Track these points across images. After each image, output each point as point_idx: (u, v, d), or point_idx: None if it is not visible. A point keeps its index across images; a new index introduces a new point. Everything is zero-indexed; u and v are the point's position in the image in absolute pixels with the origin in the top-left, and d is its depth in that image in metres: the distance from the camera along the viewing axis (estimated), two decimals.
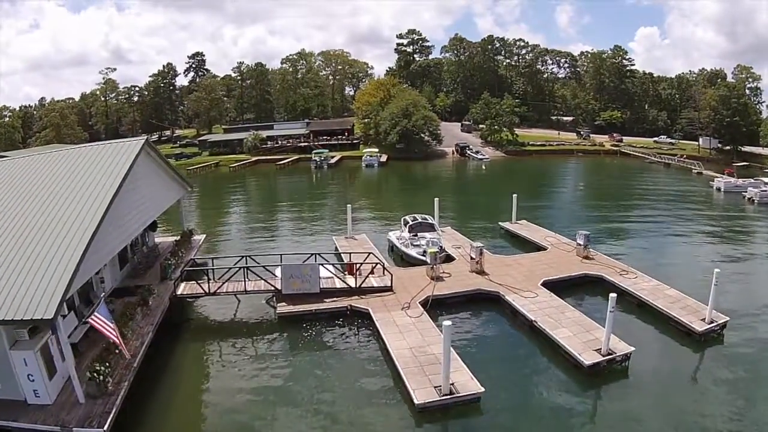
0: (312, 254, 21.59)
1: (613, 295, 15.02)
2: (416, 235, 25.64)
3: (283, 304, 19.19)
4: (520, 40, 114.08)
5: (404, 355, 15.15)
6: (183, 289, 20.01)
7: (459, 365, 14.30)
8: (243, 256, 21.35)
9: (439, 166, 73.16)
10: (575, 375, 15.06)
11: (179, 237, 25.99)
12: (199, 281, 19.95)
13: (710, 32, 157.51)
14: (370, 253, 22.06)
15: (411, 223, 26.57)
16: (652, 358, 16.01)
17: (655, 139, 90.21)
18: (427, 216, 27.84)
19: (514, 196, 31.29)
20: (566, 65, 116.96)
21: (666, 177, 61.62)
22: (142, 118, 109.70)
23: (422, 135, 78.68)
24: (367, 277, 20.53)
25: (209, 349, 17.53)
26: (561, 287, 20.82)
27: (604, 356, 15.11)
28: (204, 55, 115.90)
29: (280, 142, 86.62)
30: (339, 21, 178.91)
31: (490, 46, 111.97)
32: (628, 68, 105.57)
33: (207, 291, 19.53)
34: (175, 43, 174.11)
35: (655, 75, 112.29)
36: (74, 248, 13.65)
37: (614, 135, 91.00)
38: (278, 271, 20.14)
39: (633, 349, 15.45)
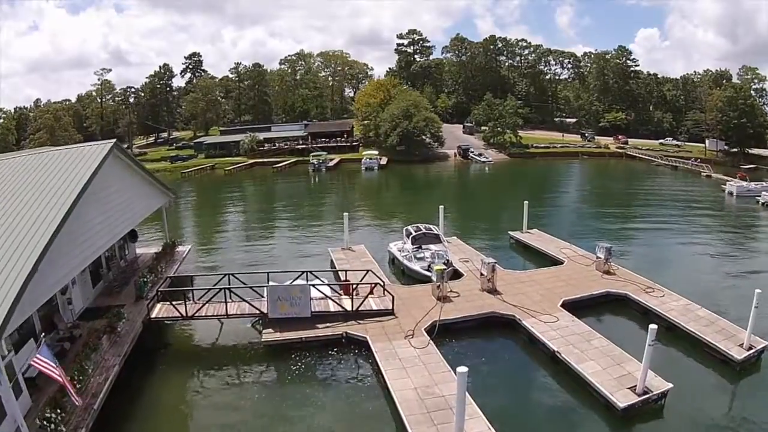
0: (303, 272, 19.44)
1: (653, 326, 12.92)
2: (420, 248, 23.50)
3: (270, 330, 16.96)
4: (522, 40, 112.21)
5: (408, 398, 12.96)
6: (158, 311, 17.79)
7: (473, 411, 12.11)
8: (226, 275, 19.19)
9: (440, 169, 70.95)
10: (607, 418, 13.07)
11: (160, 249, 23.82)
12: (176, 302, 17.71)
13: (710, 33, 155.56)
14: (368, 271, 19.85)
15: (414, 234, 24.34)
16: (688, 394, 13.95)
17: (662, 141, 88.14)
18: (431, 226, 25.65)
19: (525, 203, 29.10)
20: (569, 66, 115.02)
21: (675, 180, 59.60)
22: (138, 119, 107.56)
23: (423, 137, 76.41)
24: (366, 298, 18.35)
25: (185, 382, 15.48)
26: (582, 308, 18.83)
27: (639, 396, 13.08)
28: (201, 56, 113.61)
29: (277, 145, 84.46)
30: (339, 23, 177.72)
31: (492, 47, 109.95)
32: (632, 69, 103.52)
33: (185, 314, 17.34)
34: (175, 45, 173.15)
35: (659, 76, 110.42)
36: (17, 274, 11.58)
37: (619, 137, 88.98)
38: (265, 292, 17.94)
39: (671, 386, 13.46)
